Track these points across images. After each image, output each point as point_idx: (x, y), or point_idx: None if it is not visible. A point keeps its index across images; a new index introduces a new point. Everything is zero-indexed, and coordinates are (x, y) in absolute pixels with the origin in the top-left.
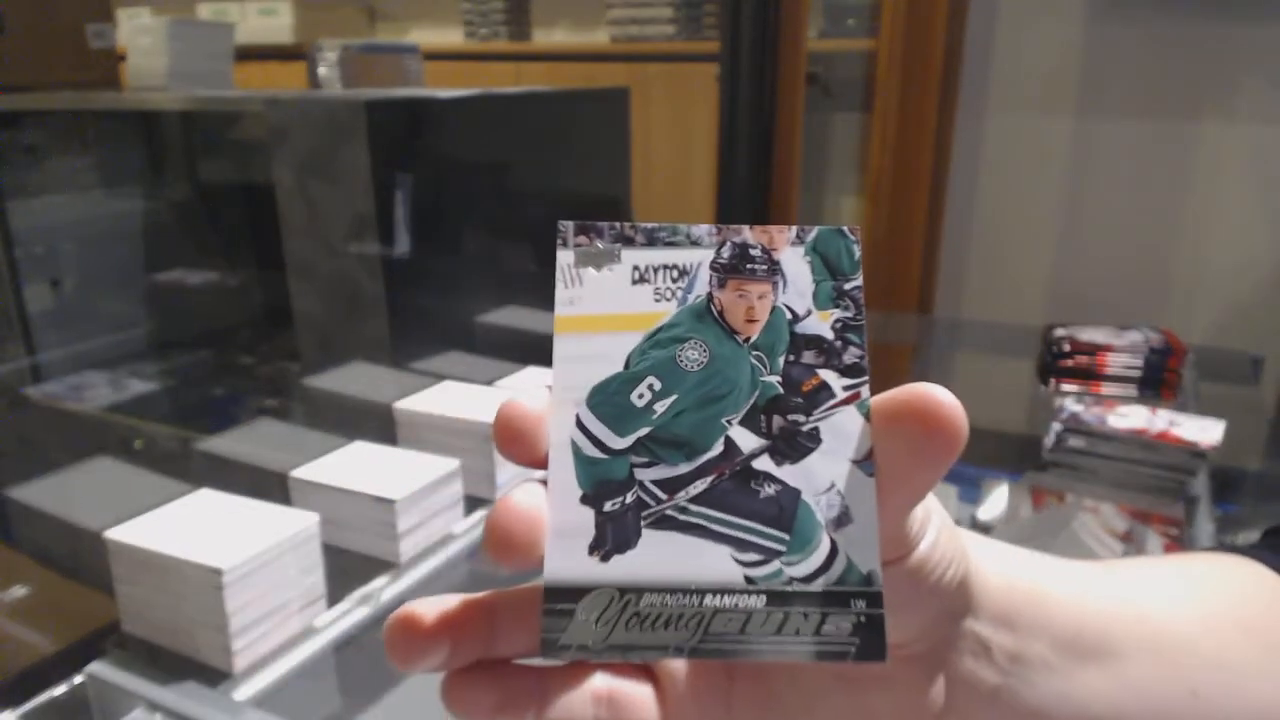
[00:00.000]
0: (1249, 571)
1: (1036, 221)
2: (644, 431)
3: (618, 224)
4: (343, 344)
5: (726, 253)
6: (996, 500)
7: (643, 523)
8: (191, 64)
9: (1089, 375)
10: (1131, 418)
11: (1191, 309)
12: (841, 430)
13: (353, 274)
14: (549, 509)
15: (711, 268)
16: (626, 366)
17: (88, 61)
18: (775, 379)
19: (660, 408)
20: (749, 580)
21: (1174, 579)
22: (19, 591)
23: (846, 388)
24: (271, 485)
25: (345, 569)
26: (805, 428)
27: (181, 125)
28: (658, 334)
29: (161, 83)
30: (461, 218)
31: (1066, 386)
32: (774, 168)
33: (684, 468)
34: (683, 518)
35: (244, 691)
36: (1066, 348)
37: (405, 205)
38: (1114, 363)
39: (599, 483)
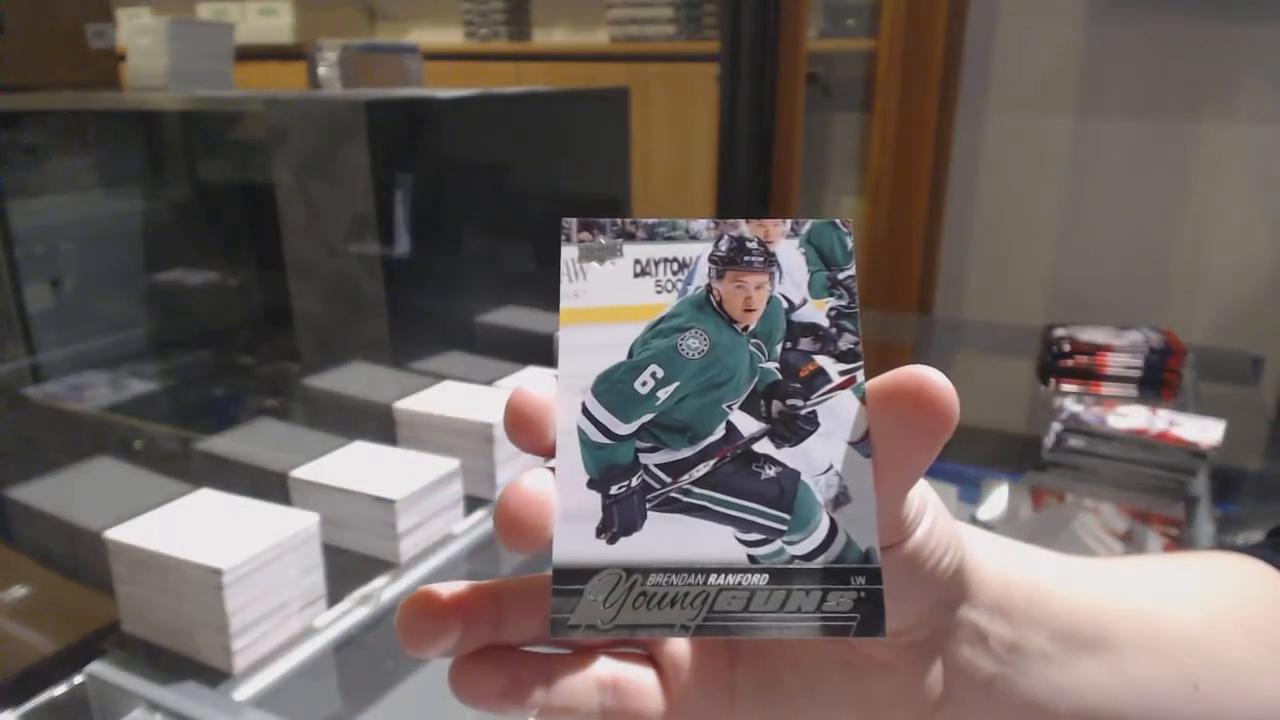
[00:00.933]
0: (1251, 570)
1: (1036, 221)
2: (648, 417)
3: (619, 220)
4: (343, 344)
5: (724, 245)
6: (996, 500)
7: (648, 505)
8: (191, 64)
9: (1089, 375)
10: (1131, 418)
11: (1191, 309)
12: (838, 413)
13: (353, 274)
14: (557, 493)
15: (710, 260)
16: (630, 355)
17: (88, 61)
18: (773, 365)
19: (663, 394)
20: (752, 559)
21: (1175, 576)
22: (19, 591)
23: (842, 372)
24: (271, 485)
25: (345, 569)
26: (803, 411)
27: (181, 125)
28: (659, 324)
29: (161, 83)
30: (461, 218)
31: (1066, 386)
32: (774, 168)
33: (687, 452)
34: (687, 500)
35: (244, 691)
36: (1066, 348)
37: (405, 205)
38: (1114, 363)
39: (605, 467)
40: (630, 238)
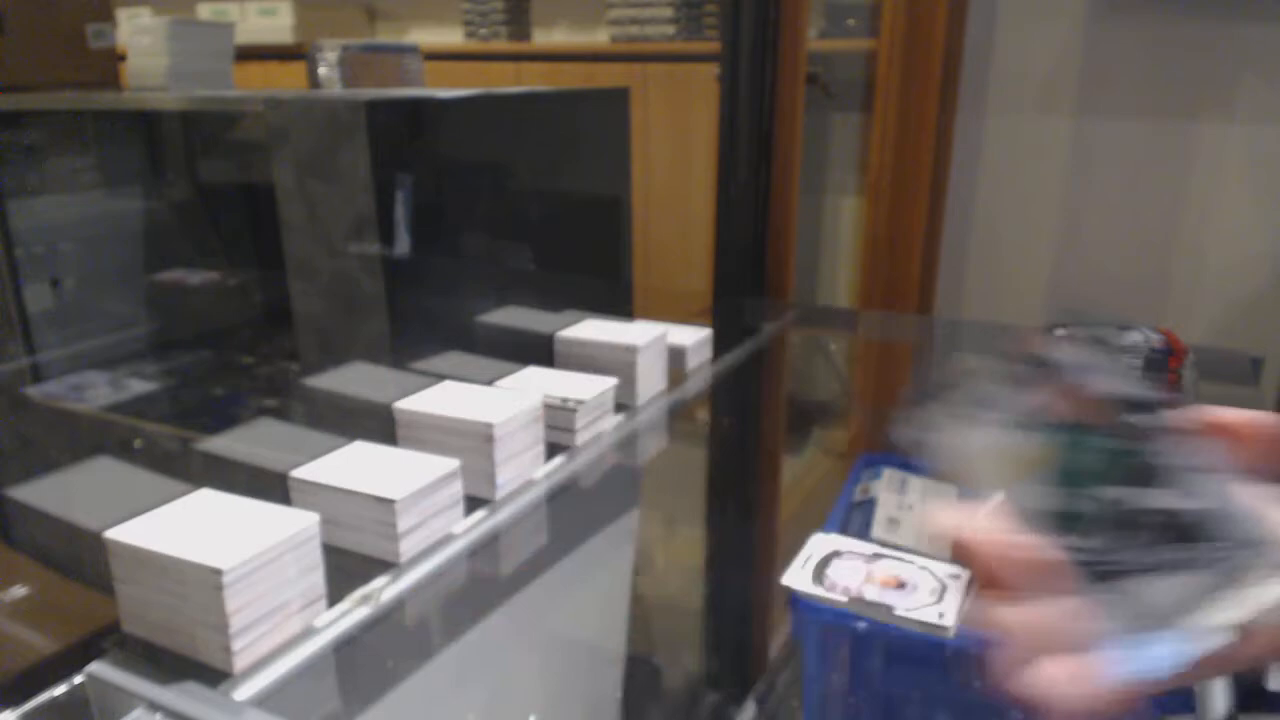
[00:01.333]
0: None
1: (1036, 221)
2: (1082, 525)
3: (979, 392)
4: (343, 344)
5: (1045, 374)
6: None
7: (1118, 583)
8: (191, 64)
9: None
10: None
11: (1191, 309)
12: (1197, 454)
13: (353, 274)
14: (1061, 619)
15: (1038, 390)
16: (1041, 485)
17: (88, 61)
18: (1127, 443)
19: (1077, 502)
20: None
21: None
22: (19, 591)
23: (1176, 419)
24: (271, 485)
25: (345, 569)
26: (1173, 465)
27: (181, 125)
28: (1039, 450)
29: (161, 83)
30: (461, 218)
31: None
32: (774, 168)
33: (1121, 537)
34: (1146, 570)
35: (244, 691)
36: None
37: (405, 205)
38: None
39: (1081, 575)
40: (988, 407)
